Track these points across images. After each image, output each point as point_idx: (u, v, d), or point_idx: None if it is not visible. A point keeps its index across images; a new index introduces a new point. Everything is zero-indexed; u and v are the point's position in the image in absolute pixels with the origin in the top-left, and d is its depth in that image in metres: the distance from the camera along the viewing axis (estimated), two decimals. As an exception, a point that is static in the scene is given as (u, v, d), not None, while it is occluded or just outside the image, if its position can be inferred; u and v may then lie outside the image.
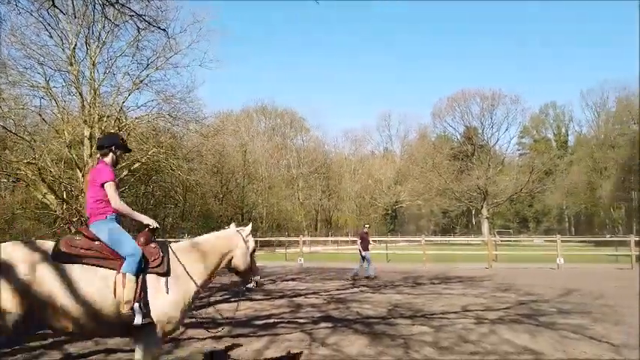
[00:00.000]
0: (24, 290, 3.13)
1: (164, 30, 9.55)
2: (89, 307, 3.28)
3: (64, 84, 26.05)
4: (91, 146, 25.77)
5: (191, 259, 3.76)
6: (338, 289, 11.22)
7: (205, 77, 66.71)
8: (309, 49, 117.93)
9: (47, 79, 24.86)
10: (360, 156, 69.68)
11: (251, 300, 9.42)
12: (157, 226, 3.95)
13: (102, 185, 3.74)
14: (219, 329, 5.74)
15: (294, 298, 9.61)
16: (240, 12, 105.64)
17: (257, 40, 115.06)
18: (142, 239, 3.76)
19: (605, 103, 70.43)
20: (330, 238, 46.35)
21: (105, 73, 26.81)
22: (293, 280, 13.67)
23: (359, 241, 14.69)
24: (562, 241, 21.09)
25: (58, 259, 3.30)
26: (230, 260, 4.06)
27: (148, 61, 26.65)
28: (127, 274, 3.40)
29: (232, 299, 9.60)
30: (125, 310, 3.33)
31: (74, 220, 25.21)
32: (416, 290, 11.16)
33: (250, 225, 4.37)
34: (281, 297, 9.84)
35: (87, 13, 20.27)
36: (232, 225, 4.40)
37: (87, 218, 3.90)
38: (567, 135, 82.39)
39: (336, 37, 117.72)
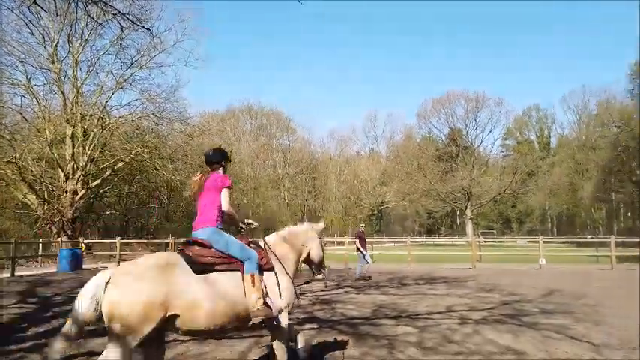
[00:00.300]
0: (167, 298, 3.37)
1: (148, 29, 9.45)
2: (227, 309, 3.61)
3: (45, 82, 25.66)
4: (73, 145, 25.40)
5: (283, 252, 4.27)
6: (323, 290, 11.22)
7: (190, 76, 66.33)
8: (294, 49, 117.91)
9: (28, 77, 24.47)
10: (346, 157, 69.83)
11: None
12: (257, 225, 4.43)
13: (220, 190, 4.10)
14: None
15: (279, 299, 9.57)
16: (225, 12, 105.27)
17: (243, 39, 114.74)
18: (245, 240, 4.13)
19: (586, 106, 71.75)
20: (316, 239, 46.38)
21: (88, 71, 26.48)
22: (278, 280, 13.61)
23: (357, 241, 14.66)
24: (544, 241, 21.37)
25: (197, 271, 3.58)
26: (308, 253, 4.59)
27: (132, 59, 26.40)
28: (254, 273, 3.79)
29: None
30: (258, 305, 3.70)
31: (56, 220, 24.80)
32: (401, 291, 11.20)
33: (322, 221, 5.02)
34: (266, 298, 9.78)
35: (69, 10, 19.99)
36: (305, 222, 4.95)
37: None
38: (549, 137, 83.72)
39: (321, 37, 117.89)
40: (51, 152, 24.76)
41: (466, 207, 57.21)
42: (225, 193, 4.10)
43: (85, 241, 23.31)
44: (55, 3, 18.20)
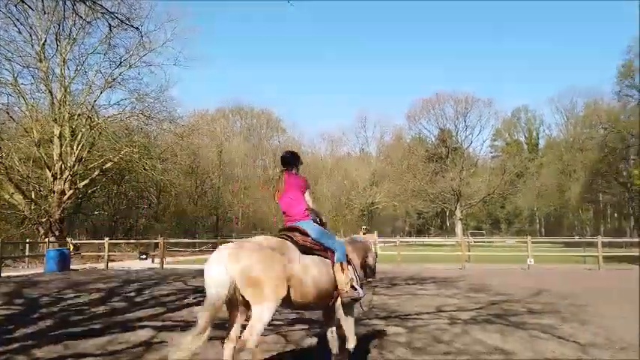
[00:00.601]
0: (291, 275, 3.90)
1: (137, 28, 9.39)
2: (322, 288, 4.15)
3: (32, 81, 25.40)
4: (61, 145, 25.13)
5: (350, 252, 4.74)
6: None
7: (180, 76, 66.00)
8: (284, 49, 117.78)
9: (15, 75, 24.19)
10: (336, 157, 69.89)
11: (225, 302, 9.31)
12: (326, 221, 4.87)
13: (303, 190, 4.72)
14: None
15: (269, 300, 9.54)
16: (215, 11, 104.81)
17: (233, 39, 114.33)
18: None
19: (574, 108, 72.57)
20: (306, 239, 46.36)
21: (76, 70, 26.24)
22: (268, 281, 13.57)
23: None
24: (532, 242, 21.58)
25: (305, 253, 4.12)
26: (365, 258, 5.08)
27: (121, 59, 26.23)
28: (343, 262, 4.34)
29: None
30: (347, 288, 4.30)
31: (43, 220, 24.52)
32: (391, 291, 11.24)
33: (376, 233, 5.59)
34: (256, 299, 9.74)
35: (57, 9, 19.77)
36: (361, 233, 6.31)
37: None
38: (538, 138, 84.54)
39: (311, 37, 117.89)
40: (38, 152, 24.48)
41: (455, 207, 57.53)
42: (308, 193, 4.81)
43: (73, 241, 23.10)
44: (43, 1, 18.00)
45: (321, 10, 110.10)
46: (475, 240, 44.95)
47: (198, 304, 9.15)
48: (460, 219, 57.96)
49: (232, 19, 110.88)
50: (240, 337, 3.74)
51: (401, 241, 22.71)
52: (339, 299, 4.40)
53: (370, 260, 5.20)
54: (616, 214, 67.05)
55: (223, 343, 3.95)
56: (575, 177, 64.89)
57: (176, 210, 39.80)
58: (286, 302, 3.92)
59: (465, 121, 59.23)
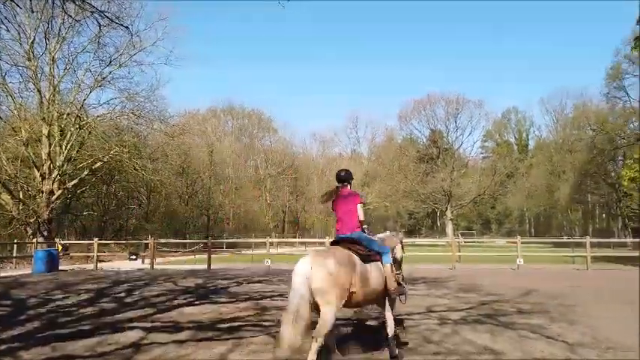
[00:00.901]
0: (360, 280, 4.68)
1: (126, 27, 9.34)
2: (377, 290, 4.93)
3: (21, 80, 25.16)
4: (50, 145, 24.88)
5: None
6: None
7: (171, 76, 65.63)
8: (276, 50, 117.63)
9: (3, 74, 23.94)
10: (328, 157, 69.93)
11: (215, 303, 9.28)
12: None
13: (356, 204, 5.35)
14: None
15: (260, 301, 9.53)
16: (205, 11, 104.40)
17: (224, 39, 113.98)
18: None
19: (564, 109, 73.25)
20: (297, 240, 46.28)
21: (65, 69, 26.01)
22: (259, 282, 13.55)
23: None
24: (522, 242, 21.73)
25: (365, 261, 4.83)
26: (394, 254, 5.53)
27: (111, 58, 26.03)
28: (390, 264, 5.07)
29: (197, 302, 9.44)
30: (394, 287, 5.05)
31: (31, 221, 24.25)
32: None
33: (402, 232, 6.13)
34: (246, 299, 9.73)
35: (46, 7, 19.57)
36: (387, 231, 6.53)
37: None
38: (528, 139, 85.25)
39: (303, 38, 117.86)
40: (26, 151, 24.22)
41: (446, 208, 57.84)
42: (360, 207, 5.42)
43: (62, 242, 22.86)
44: (31, 0, 17.83)
45: (314, 11, 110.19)
46: (466, 240, 45.23)
47: (189, 304, 9.14)
48: (451, 219, 58.24)
49: (223, 20, 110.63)
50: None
51: (392, 242, 22.72)
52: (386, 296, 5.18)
53: (397, 254, 5.69)
54: (604, 215, 67.75)
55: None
56: (565, 178, 65.48)
57: (166, 210, 39.57)
58: (347, 304, 4.69)
59: (456, 122, 59.63)
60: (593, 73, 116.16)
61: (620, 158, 53.85)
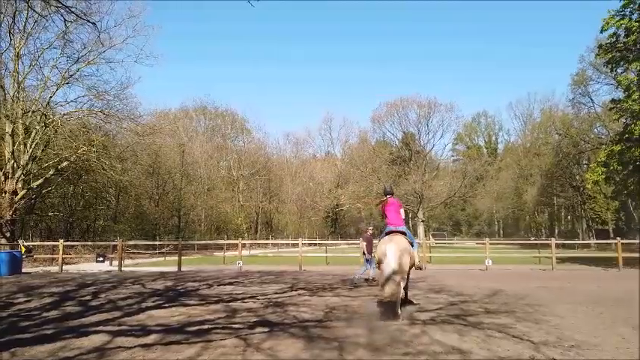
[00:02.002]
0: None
1: (94, 23, 9.10)
2: (412, 263, 8.13)
3: (-17, 76, 24.17)
4: (14, 143, 24.07)
5: None
6: (276, 293, 11.13)
7: (142, 74, 64.43)
8: (248, 50, 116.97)
9: (-36, 69, 22.96)
10: (302, 159, 69.97)
11: (185, 305, 9.13)
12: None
13: (400, 208, 8.60)
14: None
15: (231, 303, 9.42)
16: (179, 10, 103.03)
17: (197, 39, 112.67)
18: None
19: (531, 114, 75.41)
20: (270, 241, 46.05)
21: (30, 65, 25.20)
22: (230, 284, 13.41)
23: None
24: (490, 243, 22.21)
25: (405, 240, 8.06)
26: None
27: (79, 55, 25.36)
28: (416, 250, 8.53)
29: (166, 305, 9.26)
30: (419, 264, 8.74)
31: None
32: (353, 293, 11.31)
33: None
34: (217, 302, 9.60)
35: (10, 1, 18.95)
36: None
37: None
38: (497, 143, 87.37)
39: (276, 38, 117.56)
40: (-11, 149, 23.34)
41: (418, 210, 58.50)
42: (403, 210, 8.70)
43: (25, 243, 22.11)
44: (-6, -7, 17.22)
45: (288, 11, 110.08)
46: (436, 241, 45.89)
47: (157, 307, 8.96)
48: (422, 221, 58.94)
49: (196, 19, 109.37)
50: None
51: (364, 243, 22.87)
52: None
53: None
54: (569, 217, 69.90)
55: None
56: (532, 181, 67.30)
57: (136, 211, 38.75)
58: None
59: (428, 125, 60.31)
60: (560, 79, 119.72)
61: (584, 162, 55.74)
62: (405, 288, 8.47)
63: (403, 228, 8.21)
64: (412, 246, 8.13)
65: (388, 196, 8.77)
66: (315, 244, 44.02)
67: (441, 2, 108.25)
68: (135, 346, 5.74)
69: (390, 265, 7.42)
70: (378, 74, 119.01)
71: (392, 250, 7.55)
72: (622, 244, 20.51)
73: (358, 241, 25.40)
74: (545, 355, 5.33)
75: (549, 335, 6.38)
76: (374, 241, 13.68)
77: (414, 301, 9.10)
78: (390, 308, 7.61)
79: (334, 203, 64.71)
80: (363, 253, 14.26)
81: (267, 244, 45.02)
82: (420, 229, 58.57)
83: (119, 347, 5.72)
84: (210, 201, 48.67)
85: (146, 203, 39.77)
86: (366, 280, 13.87)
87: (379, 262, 8.09)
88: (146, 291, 11.80)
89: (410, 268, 8.09)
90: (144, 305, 9.25)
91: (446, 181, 59.25)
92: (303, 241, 24.25)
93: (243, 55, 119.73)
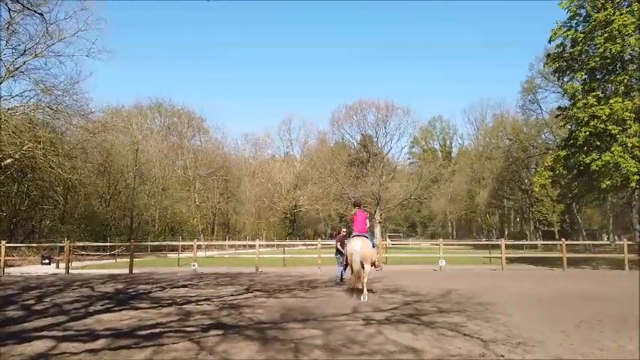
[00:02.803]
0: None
1: (40, 14, 8.67)
2: (374, 259, 10.82)
3: None
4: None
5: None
6: (232, 295, 10.97)
7: (94, 69, 62.02)
8: (208, 50, 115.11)
9: None
10: (261, 159, 69.41)
11: (136, 309, 8.83)
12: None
13: (366, 218, 11.07)
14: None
15: (184, 306, 9.20)
16: (136, 6, 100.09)
17: (153, 35, 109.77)
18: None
19: (484, 119, 78.04)
20: (227, 242, 45.38)
21: (-29, 56, 23.71)
22: (184, 286, 13.10)
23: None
24: (444, 244, 22.79)
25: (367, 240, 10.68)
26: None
27: (26, 47, 24.12)
28: (376, 249, 11.81)
29: (115, 308, 8.93)
30: (377, 262, 11.52)
31: None
32: (310, 294, 11.30)
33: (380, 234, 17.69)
34: (170, 305, 9.35)
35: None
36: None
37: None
38: (451, 147, 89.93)
39: (233, 39, 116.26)
40: None
41: (375, 211, 59.26)
42: (368, 220, 11.10)
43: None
44: None
45: (247, 12, 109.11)
46: (393, 242, 46.67)
47: (106, 311, 8.64)
48: (379, 222, 59.73)
49: (153, 15, 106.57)
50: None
51: (322, 244, 22.96)
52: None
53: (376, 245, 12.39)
54: (518, 219, 72.82)
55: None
56: (484, 184, 69.65)
57: (85, 211, 37.17)
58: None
59: (385, 128, 61.18)
60: (511, 86, 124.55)
61: (532, 166, 58.20)
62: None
63: (366, 234, 10.72)
64: (372, 247, 10.71)
65: (357, 208, 11.39)
66: (273, 246, 43.75)
67: (398, 6, 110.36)
68: (81, 352, 5.50)
69: (358, 256, 10.10)
70: (337, 76, 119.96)
71: (359, 246, 10.18)
72: (566, 245, 21.54)
73: (316, 242, 25.49)
74: (494, 353, 5.50)
75: (498, 333, 6.60)
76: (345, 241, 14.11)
77: (372, 291, 11.10)
78: (353, 293, 10.62)
79: (293, 204, 64.61)
80: (337, 252, 14.49)
81: (223, 245, 44.32)
82: (377, 231, 59.35)
83: (64, 353, 5.46)
84: (165, 201, 47.38)
85: (96, 203, 38.24)
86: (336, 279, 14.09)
87: (349, 256, 10.52)
88: (95, 294, 11.35)
89: (371, 264, 10.40)
90: (92, 309, 8.89)
91: (402, 183, 60.31)
92: (261, 243, 24.04)
93: (201, 54, 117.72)
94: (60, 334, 6.57)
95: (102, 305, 9.39)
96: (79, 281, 14.80)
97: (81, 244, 26.90)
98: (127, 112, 53.55)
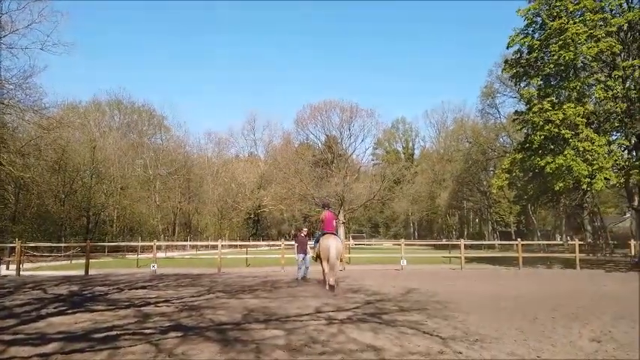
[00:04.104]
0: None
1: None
2: (341, 254, 12.51)
3: None
4: None
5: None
6: (193, 296, 10.77)
7: (49, 63, 59.61)
8: (171, 47, 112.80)
9: None
10: (224, 159, 68.44)
11: (91, 311, 8.53)
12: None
13: (334, 219, 12.32)
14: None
15: (143, 308, 8.95)
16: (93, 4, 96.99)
17: (115, 30, 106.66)
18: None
19: (445, 122, 79.85)
20: (188, 243, 44.55)
21: None
22: (143, 288, 12.76)
23: (297, 245, 15.25)
24: (406, 244, 23.16)
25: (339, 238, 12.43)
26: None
27: (-26, 37, 22.89)
28: (342, 246, 12.86)
29: (69, 311, 8.60)
30: (343, 255, 13.33)
31: None
32: (273, 294, 11.23)
33: (343, 233, 20.04)
34: (127, 307, 9.08)
35: None
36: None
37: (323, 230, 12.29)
38: (414, 148, 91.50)
39: (201, 37, 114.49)
40: None
41: (339, 211, 59.58)
42: (335, 222, 12.30)
43: None
44: None
45: (211, 12, 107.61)
46: (356, 242, 47.05)
47: (60, 314, 8.31)
48: (343, 222, 60.09)
49: (114, 10, 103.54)
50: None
51: (286, 244, 22.89)
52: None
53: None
54: (477, 220, 74.89)
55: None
56: (445, 185, 71.26)
57: (39, 211, 35.64)
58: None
59: (350, 129, 61.63)
60: (472, 90, 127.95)
61: (491, 169, 60.02)
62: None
63: (335, 233, 12.09)
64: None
65: (326, 209, 12.65)
66: (236, 246, 43.27)
67: (362, 9, 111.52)
68: (32, 356, 5.27)
69: (333, 252, 11.29)
70: (301, 76, 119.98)
71: (334, 243, 11.43)
72: (522, 245, 22.33)
73: (280, 243, 25.39)
74: (452, 349, 5.62)
75: (456, 330, 6.76)
76: (309, 242, 15.08)
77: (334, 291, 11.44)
78: (325, 289, 11.48)
79: (256, 204, 64.09)
80: (300, 252, 15.17)
81: (185, 245, 43.50)
82: (341, 231, 59.70)
83: (14, 357, 5.22)
84: (124, 201, 45.99)
85: (51, 202, 36.73)
86: (298, 278, 14.32)
87: (325, 251, 11.48)
88: (47, 297, 10.89)
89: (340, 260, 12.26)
90: (44, 312, 8.52)
91: (366, 184, 60.85)
92: (224, 243, 23.70)
93: (165, 51, 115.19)
94: (9, 337, 6.27)
95: (55, 308, 9.02)
96: (30, 283, 14.18)
97: (33, 244, 25.80)
98: (84, 108, 51.72)
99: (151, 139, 59.43)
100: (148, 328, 6.89)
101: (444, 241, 44.89)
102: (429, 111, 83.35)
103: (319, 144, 68.60)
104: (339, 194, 57.32)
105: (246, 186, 65.24)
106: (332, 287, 11.16)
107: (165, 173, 54.62)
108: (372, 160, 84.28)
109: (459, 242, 24.45)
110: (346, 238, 54.13)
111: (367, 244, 54.60)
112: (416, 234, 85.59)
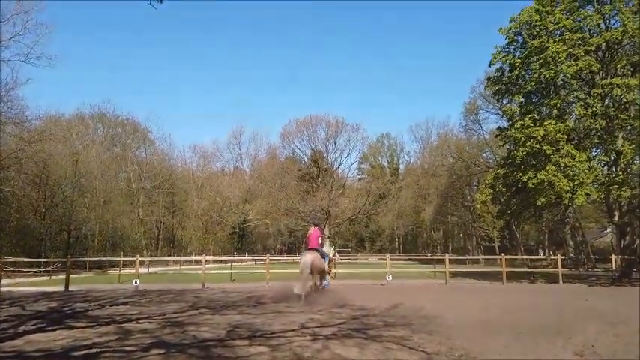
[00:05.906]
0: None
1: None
2: (323, 268, 13.89)
3: None
4: None
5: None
6: (175, 312, 10.59)
7: (32, 75, 58.96)
8: (154, 60, 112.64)
9: None
10: (209, 173, 68.01)
11: (71, 328, 8.34)
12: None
13: (319, 237, 14.08)
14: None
15: (124, 324, 8.78)
16: (79, 12, 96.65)
17: (100, 43, 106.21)
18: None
19: (429, 138, 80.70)
20: (172, 258, 43.95)
21: None
22: (125, 304, 12.52)
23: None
24: (391, 259, 23.22)
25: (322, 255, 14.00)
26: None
27: (-45, 48, 22.59)
28: (327, 261, 14.31)
29: (48, 328, 8.39)
30: (326, 269, 14.27)
31: None
32: (257, 310, 11.11)
33: (330, 246, 14.57)
34: (108, 323, 8.89)
35: None
36: (325, 246, 16.98)
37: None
38: (399, 163, 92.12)
39: (180, 49, 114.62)
40: None
41: (325, 226, 59.50)
42: (321, 238, 14.18)
43: None
44: None
45: (196, 25, 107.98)
46: (342, 257, 46.87)
47: (38, 331, 8.11)
48: (328, 237, 59.98)
49: (99, 22, 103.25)
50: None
51: (271, 259, 22.72)
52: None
53: (330, 256, 14.92)
54: (461, 234, 75.36)
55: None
56: (429, 200, 71.69)
57: (18, 225, 34.92)
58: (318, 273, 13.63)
59: (335, 144, 61.96)
60: (455, 107, 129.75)
61: (474, 184, 60.67)
62: (321, 279, 14.17)
63: (317, 248, 13.66)
64: (324, 257, 13.77)
65: (313, 227, 14.37)
66: (221, 261, 42.81)
67: (348, 19, 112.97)
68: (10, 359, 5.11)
69: (307, 267, 12.75)
70: (287, 91, 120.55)
71: (308, 259, 12.77)
72: (506, 259, 22.52)
73: (265, 257, 25.18)
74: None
75: (441, 345, 6.75)
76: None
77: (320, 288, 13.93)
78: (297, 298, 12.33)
79: (242, 219, 63.69)
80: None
81: (168, 260, 42.89)
82: (327, 246, 59.44)
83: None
84: (107, 215, 45.32)
85: (31, 216, 36.00)
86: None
87: (301, 265, 12.91)
88: (25, 313, 10.63)
89: (320, 271, 13.68)
90: (22, 329, 8.30)
91: (351, 198, 61.04)
92: (208, 258, 23.44)
93: (149, 63, 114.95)
94: (-16, 357, 6.08)
95: (33, 325, 8.80)
96: (8, 299, 13.82)
97: (12, 259, 25.21)
98: (67, 121, 51.04)
99: (135, 152, 58.89)
100: (130, 345, 6.75)
101: (429, 256, 45.03)
102: (413, 126, 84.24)
103: (305, 158, 68.75)
104: (325, 209, 57.35)
105: (232, 200, 64.89)
106: (299, 296, 12.35)
107: (150, 187, 54.06)
108: (358, 174, 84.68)
109: (443, 257, 24.55)
110: (333, 253, 53.98)
111: (353, 259, 54.48)
112: (401, 248, 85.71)
